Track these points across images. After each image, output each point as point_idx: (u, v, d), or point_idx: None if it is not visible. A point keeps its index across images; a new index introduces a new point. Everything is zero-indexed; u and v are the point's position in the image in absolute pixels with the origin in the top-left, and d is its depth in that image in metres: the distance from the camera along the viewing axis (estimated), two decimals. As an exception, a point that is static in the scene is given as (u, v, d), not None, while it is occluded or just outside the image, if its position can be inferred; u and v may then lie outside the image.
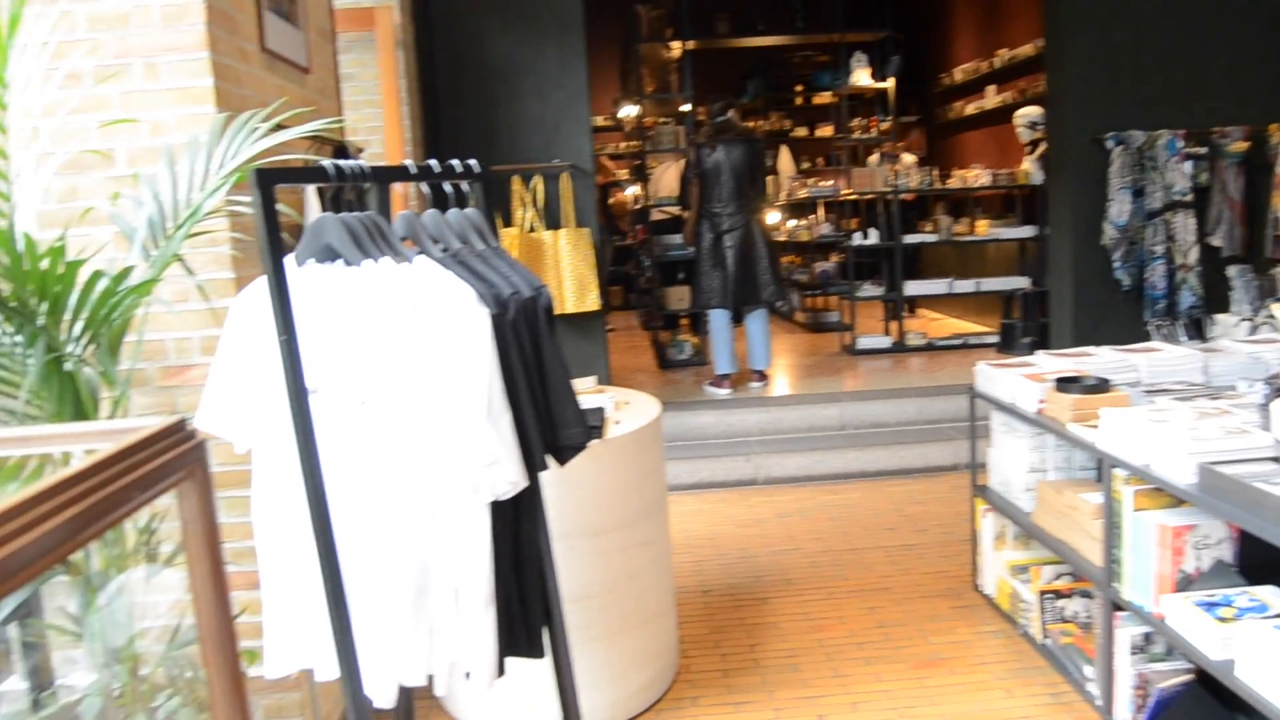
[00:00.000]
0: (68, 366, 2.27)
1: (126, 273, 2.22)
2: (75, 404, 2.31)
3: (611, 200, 11.94)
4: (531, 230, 6.53)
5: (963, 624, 4.04)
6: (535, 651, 2.18)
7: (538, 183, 6.54)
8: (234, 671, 1.13)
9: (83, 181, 2.87)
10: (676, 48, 9.04)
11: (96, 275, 2.16)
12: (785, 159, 11.99)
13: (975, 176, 9.16)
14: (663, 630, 3.63)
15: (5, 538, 0.77)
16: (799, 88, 13.39)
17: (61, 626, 2.48)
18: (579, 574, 3.18)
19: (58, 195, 2.86)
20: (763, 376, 7.18)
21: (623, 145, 12.66)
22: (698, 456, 6.22)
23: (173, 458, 1.02)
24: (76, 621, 2.47)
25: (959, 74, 11.58)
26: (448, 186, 2.28)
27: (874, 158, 10.68)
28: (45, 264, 2.12)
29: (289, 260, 1.98)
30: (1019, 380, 3.82)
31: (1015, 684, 3.54)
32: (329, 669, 1.98)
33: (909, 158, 10.04)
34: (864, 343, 8.55)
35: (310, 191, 3.31)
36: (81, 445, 1.29)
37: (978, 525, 4.27)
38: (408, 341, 1.88)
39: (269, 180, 1.89)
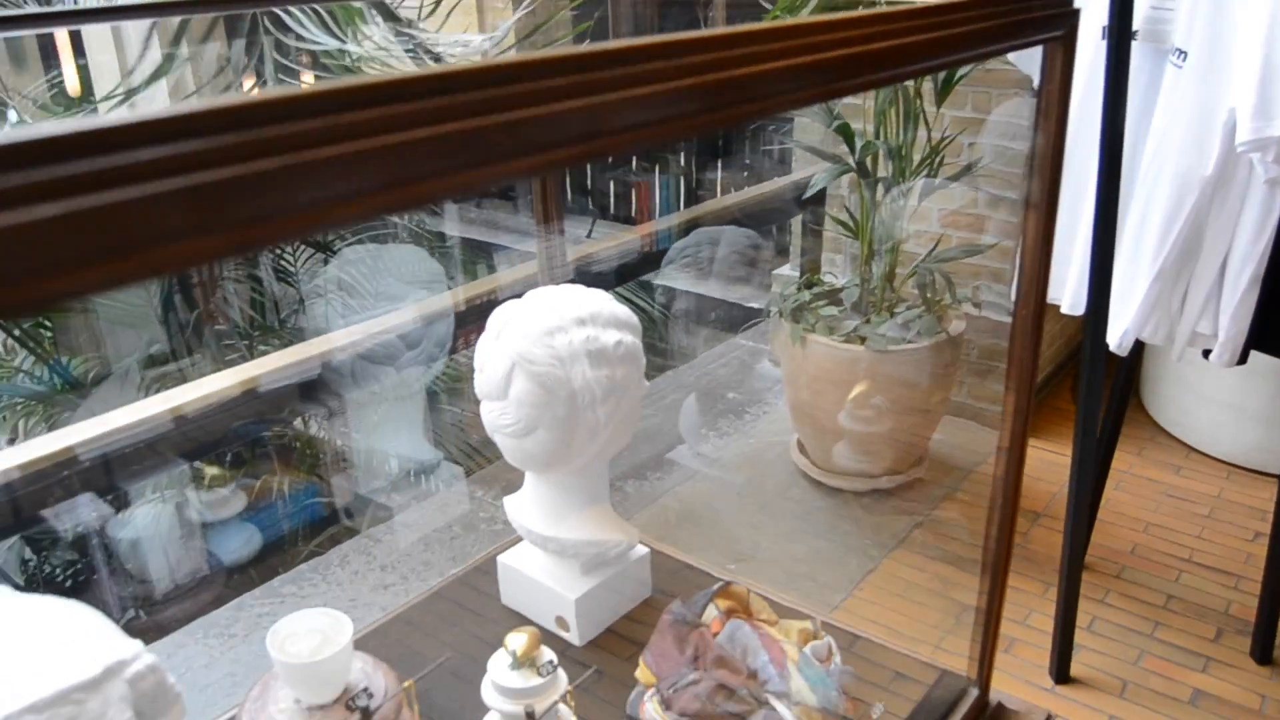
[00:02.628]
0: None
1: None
2: None
3: None
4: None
5: None
6: (1285, 352, 2.09)
7: None
8: (1042, 291, 1.27)
9: None
10: None
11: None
12: None
13: None
14: None
15: (887, 35, 0.91)
16: None
17: (843, 221, 2.90)
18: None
19: None
20: None
21: None
22: None
23: (1048, 16, 1.13)
24: (853, 219, 2.87)
25: None
26: None
27: None
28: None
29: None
30: None
31: None
32: (1075, 305, 2.10)
33: None
34: None
35: None
36: None
37: None
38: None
39: None
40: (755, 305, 4.48)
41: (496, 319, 1.54)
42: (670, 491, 3.10)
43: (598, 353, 1.50)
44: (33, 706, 0.89)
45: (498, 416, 1.53)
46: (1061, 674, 2.36)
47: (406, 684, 1.18)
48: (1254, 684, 2.35)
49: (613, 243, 3.26)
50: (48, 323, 4.39)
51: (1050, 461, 3.25)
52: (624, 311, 1.56)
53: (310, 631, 1.36)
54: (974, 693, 1.59)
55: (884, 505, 2.99)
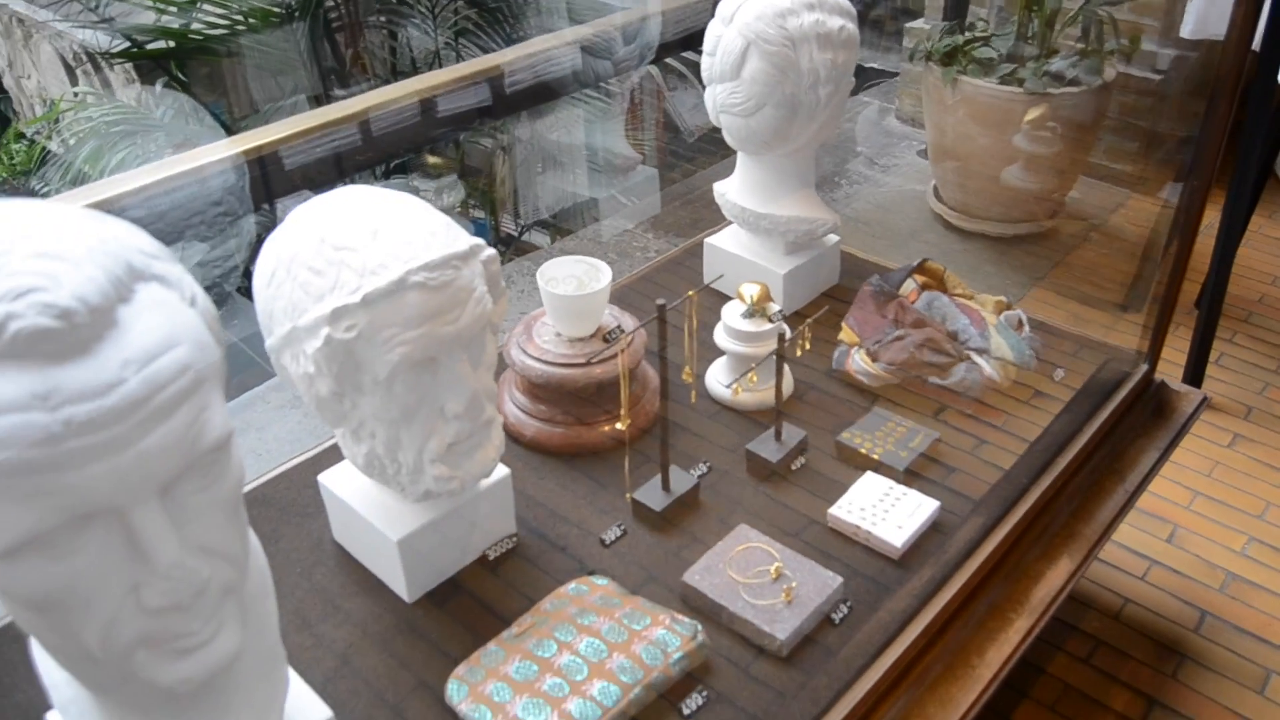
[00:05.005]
0: None
1: None
2: None
3: None
4: None
5: None
6: None
7: None
8: (1245, 44, 1.32)
9: None
10: None
11: None
12: None
13: None
14: None
15: None
16: None
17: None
18: None
19: None
20: None
21: None
22: None
23: None
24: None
25: None
26: None
27: None
28: None
29: None
30: None
31: None
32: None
33: None
34: None
35: None
36: None
37: None
38: None
39: None
40: (876, 66, 4.48)
41: (728, 4, 1.65)
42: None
43: (824, 36, 1.61)
44: (426, 265, 1.08)
45: (728, 96, 1.66)
46: (1191, 397, 2.52)
47: (690, 293, 1.36)
48: (1375, 415, 2.50)
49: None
50: (181, 75, 4.50)
51: (1181, 219, 3.31)
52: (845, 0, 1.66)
53: (569, 277, 1.55)
54: (1143, 368, 1.76)
55: (1020, 250, 3.10)
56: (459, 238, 1.13)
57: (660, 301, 1.28)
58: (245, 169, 1.77)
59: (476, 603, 1.30)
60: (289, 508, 1.47)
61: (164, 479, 0.74)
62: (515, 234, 3.69)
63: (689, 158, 4.37)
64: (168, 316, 0.75)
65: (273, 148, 1.96)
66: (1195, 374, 2.51)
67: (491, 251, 1.18)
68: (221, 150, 1.77)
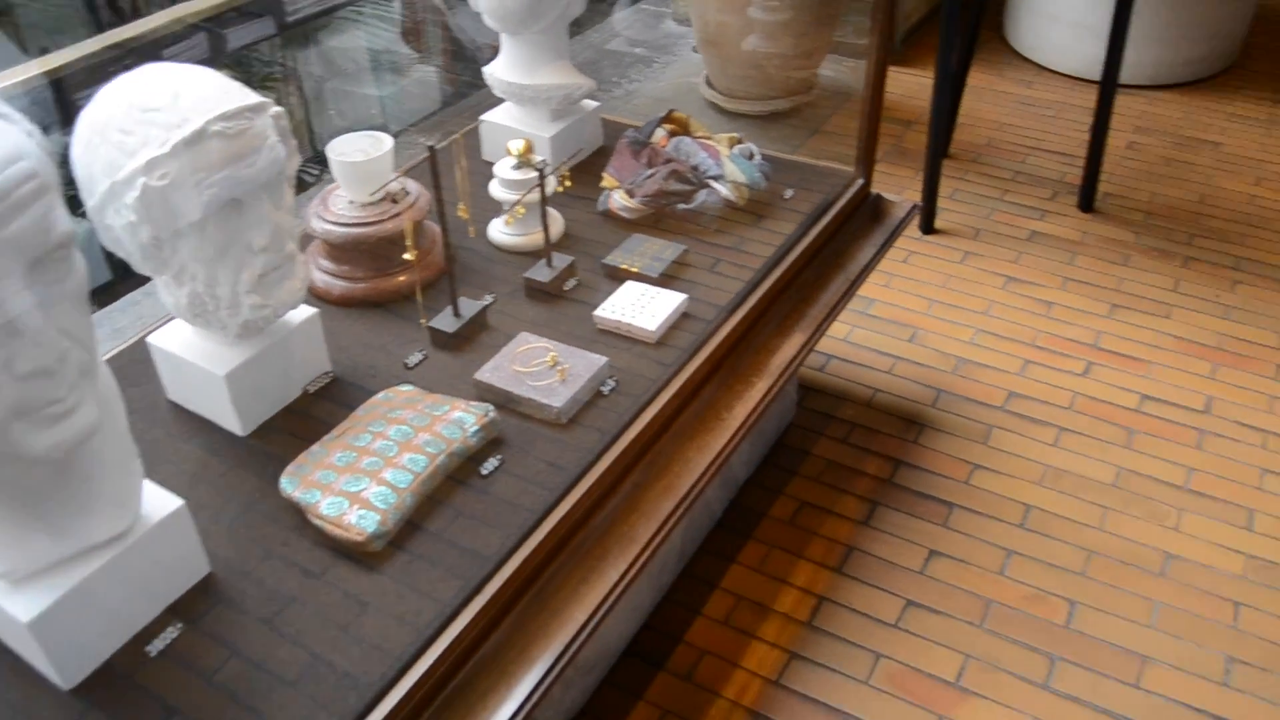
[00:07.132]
0: None
1: None
2: None
3: None
4: None
5: None
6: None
7: None
8: None
9: None
10: None
11: None
12: None
13: None
14: None
15: None
16: None
17: None
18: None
19: None
20: None
21: None
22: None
23: None
24: None
25: None
26: None
27: None
28: None
29: None
30: None
31: None
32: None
33: None
34: None
35: None
36: None
37: None
38: None
39: None
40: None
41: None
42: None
43: (555, -81, 1.84)
44: (223, 115, 1.26)
45: (478, -21, 1.89)
46: (927, 226, 2.91)
47: (456, 135, 1.59)
48: (1077, 225, 2.94)
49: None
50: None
51: (922, 84, 3.72)
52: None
53: (355, 150, 1.76)
54: (859, 183, 2.09)
55: (781, 124, 3.44)
56: (250, 94, 1.33)
57: (430, 144, 1.51)
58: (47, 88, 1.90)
59: (301, 423, 1.52)
60: (120, 380, 1.64)
61: (26, 261, 0.94)
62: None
63: (478, 84, 4.54)
64: (14, 140, 0.94)
65: (65, 70, 2.09)
66: (928, 204, 2.90)
67: (279, 109, 1.38)
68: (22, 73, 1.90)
